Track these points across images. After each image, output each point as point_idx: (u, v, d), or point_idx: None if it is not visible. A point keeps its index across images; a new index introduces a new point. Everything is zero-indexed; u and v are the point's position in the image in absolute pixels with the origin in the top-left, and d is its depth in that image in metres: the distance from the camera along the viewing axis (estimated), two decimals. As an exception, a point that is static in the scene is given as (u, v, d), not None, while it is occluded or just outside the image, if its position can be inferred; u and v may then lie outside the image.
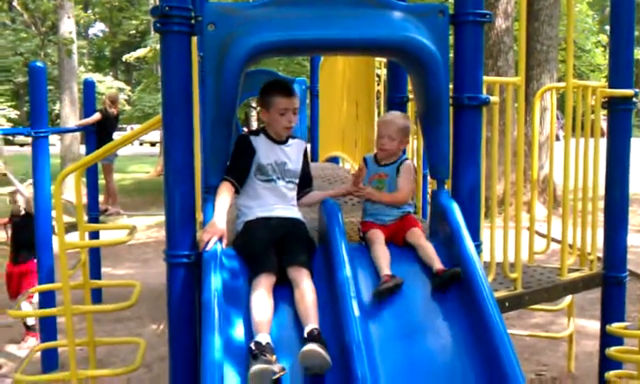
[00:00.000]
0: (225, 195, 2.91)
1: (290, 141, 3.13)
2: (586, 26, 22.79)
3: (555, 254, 4.34)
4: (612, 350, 3.53)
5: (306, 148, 3.24)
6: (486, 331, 2.48)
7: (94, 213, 7.58)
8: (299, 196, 3.19)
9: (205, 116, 2.94)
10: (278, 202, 3.05)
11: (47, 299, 5.51)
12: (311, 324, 2.53)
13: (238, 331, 2.61)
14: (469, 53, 3.11)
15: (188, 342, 2.87)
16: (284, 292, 2.73)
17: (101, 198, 8.68)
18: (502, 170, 6.38)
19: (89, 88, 7.81)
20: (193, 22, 2.88)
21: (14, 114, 30.92)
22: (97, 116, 7.73)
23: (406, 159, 3.23)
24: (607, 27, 4.01)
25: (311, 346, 2.40)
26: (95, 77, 28.06)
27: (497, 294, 3.44)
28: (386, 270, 2.81)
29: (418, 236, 3.00)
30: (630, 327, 3.67)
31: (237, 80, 2.83)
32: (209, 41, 2.84)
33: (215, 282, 2.57)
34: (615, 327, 3.62)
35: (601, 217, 4.13)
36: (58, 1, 17.51)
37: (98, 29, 40.00)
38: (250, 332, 2.57)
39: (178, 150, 2.93)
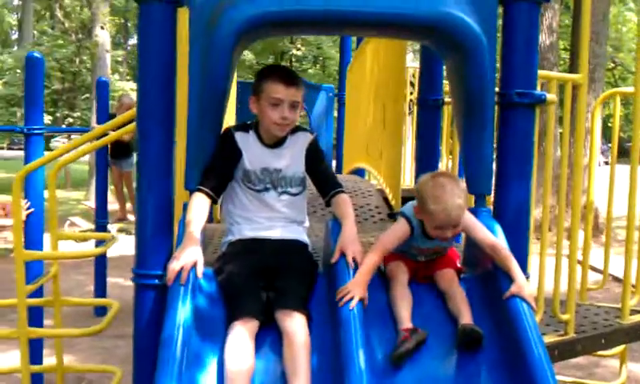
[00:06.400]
0: (198, 210, 2.32)
1: (289, 139, 2.47)
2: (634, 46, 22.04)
3: (607, 291, 3.69)
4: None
5: (313, 139, 2.53)
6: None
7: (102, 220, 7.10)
8: (327, 201, 2.51)
9: (190, 105, 2.40)
10: (271, 218, 2.42)
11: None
12: None
13: (211, 374, 2.04)
14: (521, 39, 2.53)
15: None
16: (270, 331, 2.14)
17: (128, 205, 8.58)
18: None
19: (102, 88, 7.37)
20: (179, -10, 2.36)
21: (47, 119, 31.21)
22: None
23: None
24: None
25: None
26: (129, 85, 28.17)
27: (544, 340, 2.81)
28: (405, 322, 2.16)
29: (449, 280, 2.33)
30: None
31: (227, 60, 2.29)
32: (195, 12, 2.32)
33: (182, 313, 2.00)
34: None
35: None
36: (92, 11, 17.68)
37: (137, 39, 40.45)
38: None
39: (154, 145, 2.41)
